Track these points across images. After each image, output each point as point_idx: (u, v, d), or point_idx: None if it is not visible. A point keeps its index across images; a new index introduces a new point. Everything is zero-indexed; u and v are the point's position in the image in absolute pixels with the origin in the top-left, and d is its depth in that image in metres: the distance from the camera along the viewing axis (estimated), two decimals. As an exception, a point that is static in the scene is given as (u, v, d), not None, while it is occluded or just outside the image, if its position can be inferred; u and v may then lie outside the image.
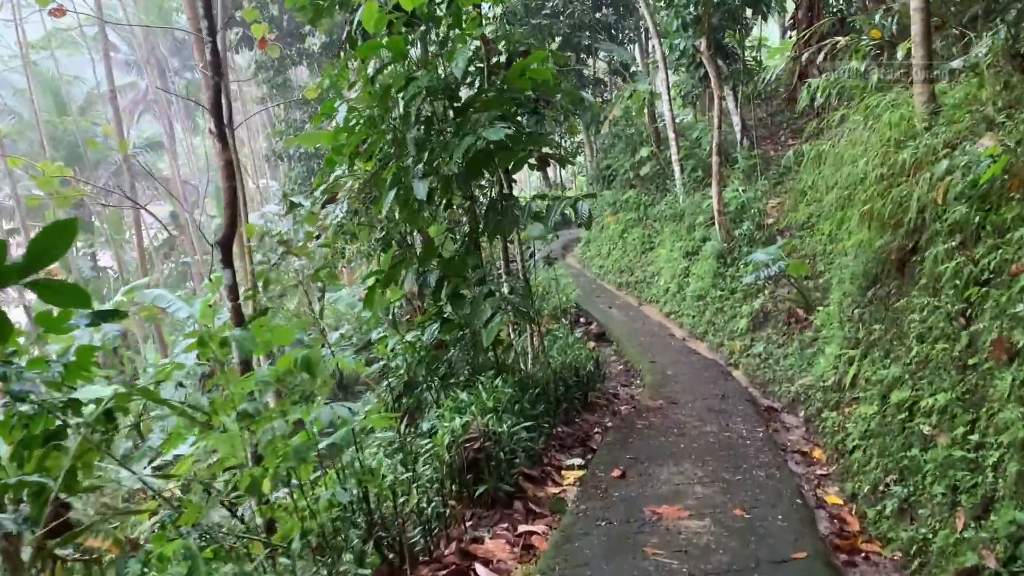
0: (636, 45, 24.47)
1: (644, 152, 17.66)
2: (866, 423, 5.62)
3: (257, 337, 7.11)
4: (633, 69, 21.98)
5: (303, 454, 3.58)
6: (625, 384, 10.66)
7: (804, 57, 10.98)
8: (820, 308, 10.62)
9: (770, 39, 24.81)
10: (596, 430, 7.06)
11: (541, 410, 6.15)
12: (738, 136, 16.20)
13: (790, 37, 17.74)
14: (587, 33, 21.39)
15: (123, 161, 28.32)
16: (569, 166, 28.48)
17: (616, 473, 5.46)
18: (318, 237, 11.66)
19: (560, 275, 14.49)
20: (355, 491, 3.87)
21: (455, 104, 6.06)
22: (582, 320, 16.10)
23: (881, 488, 4.81)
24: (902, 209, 5.42)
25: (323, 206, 10.91)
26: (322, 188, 8.38)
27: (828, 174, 6.70)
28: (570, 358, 7.84)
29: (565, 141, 26.58)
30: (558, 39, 21.24)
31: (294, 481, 3.70)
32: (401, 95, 5.94)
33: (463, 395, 5.31)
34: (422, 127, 5.89)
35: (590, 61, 23.58)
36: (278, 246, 16.71)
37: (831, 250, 12.11)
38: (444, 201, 6.96)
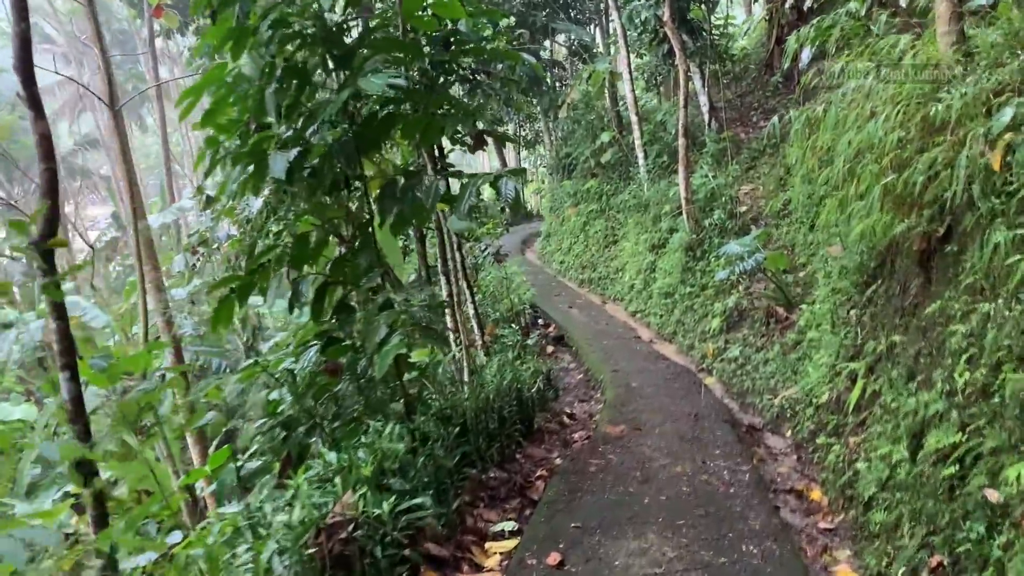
0: (597, 27, 23.04)
1: (605, 138, 16.22)
2: (887, 467, 4.21)
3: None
4: (594, 51, 20.53)
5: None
6: (583, 399, 9.20)
7: (787, 4, 9.56)
8: (803, 306, 9.28)
9: (736, 20, 23.60)
10: (540, 472, 5.57)
11: (458, 459, 4.63)
12: (706, 118, 14.85)
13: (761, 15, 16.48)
14: (543, 12, 19.89)
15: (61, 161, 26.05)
16: (530, 154, 26.98)
17: (553, 560, 3.95)
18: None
19: (514, 273, 12.99)
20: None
21: (334, 52, 4.49)
22: (540, 322, 14.63)
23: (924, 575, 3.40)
24: (932, 182, 4.01)
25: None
26: (204, 171, 6.72)
27: (824, 144, 5.28)
28: (509, 379, 6.34)
29: (523, 129, 25.08)
30: (512, 18, 19.71)
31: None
32: (261, 38, 4.35)
33: (331, 456, 3.78)
34: (286, 81, 4.31)
35: (548, 43, 22.07)
36: (200, 247, 14.92)
37: (812, 240, 10.81)
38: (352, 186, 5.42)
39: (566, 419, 7.71)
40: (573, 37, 20.81)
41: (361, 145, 4.63)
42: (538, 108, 20.89)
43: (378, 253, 4.59)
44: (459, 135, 7.95)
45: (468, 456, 5.16)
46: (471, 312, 8.89)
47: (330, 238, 4.79)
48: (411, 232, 8.56)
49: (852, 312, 6.98)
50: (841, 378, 6.18)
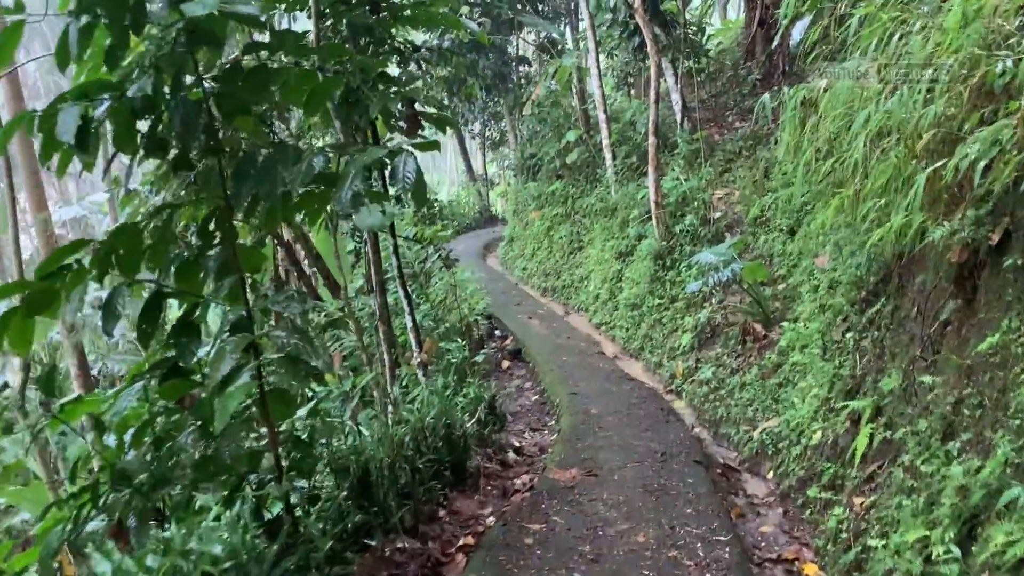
0: (567, 24, 21.97)
1: (571, 136, 15.11)
2: (921, 560, 3.07)
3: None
4: (563, 47, 19.44)
5: None
6: (536, 427, 8.01)
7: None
8: (785, 324, 8.23)
9: (713, 23, 22.77)
10: (465, 539, 4.35)
11: (354, 528, 3.39)
12: (678, 117, 13.83)
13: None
14: (509, 5, 18.75)
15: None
16: (496, 156, 25.76)
17: None
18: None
19: (467, 280, 11.77)
20: None
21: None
22: (497, 333, 13.43)
23: None
24: (980, 173, 2.90)
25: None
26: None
27: (828, 128, 4.17)
28: (433, 414, 5.09)
29: (489, 128, 23.89)
30: (476, 11, 18.54)
31: None
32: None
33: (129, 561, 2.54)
34: (103, 7, 3.04)
35: (514, 38, 20.93)
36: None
37: (793, 250, 9.80)
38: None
39: (511, 455, 6.51)
40: (542, 33, 19.71)
41: (224, 108, 3.39)
42: (503, 105, 19.73)
43: (235, 251, 3.33)
44: (393, 118, 6.73)
45: (369, 523, 3.93)
46: (409, 325, 7.67)
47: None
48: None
49: (848, 336, 5.92)
50: (839, 418, 5.08)
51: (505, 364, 11.75)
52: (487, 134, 23.42)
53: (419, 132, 6.32)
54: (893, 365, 4.40)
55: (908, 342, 4.28)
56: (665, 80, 13.62)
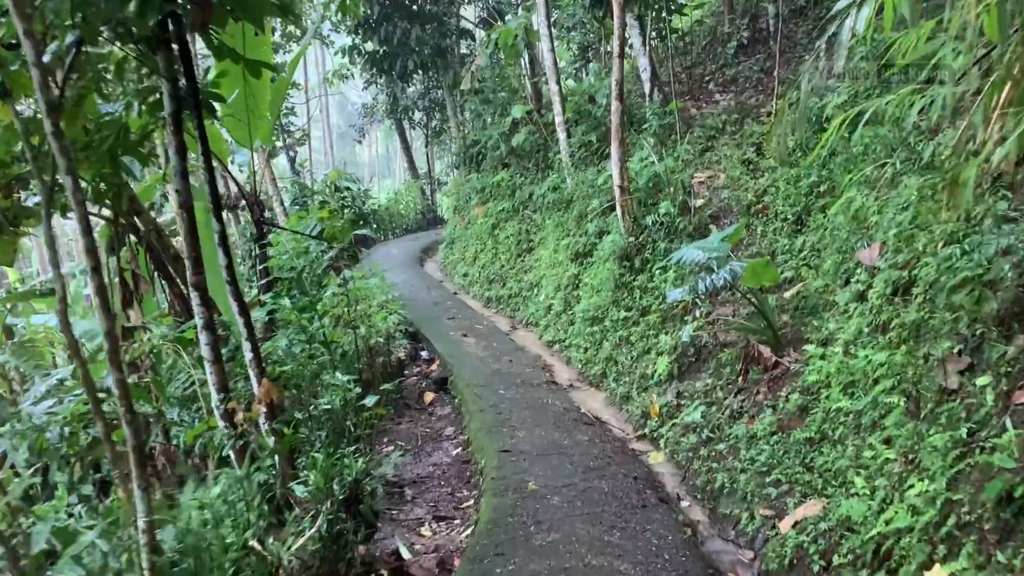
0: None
1: (516, 113, 12.43)
2: None
3: None
4: (509, 17, 16.82)
5: None
6: (443, 512, 5.25)
7: None
8: (809, 348, 5.68)
9: None
10: None
11: None
12: (646, 88, 11.30)
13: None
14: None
15: None
16: (441, 149, 22.93)
17: None
18: None
19: (372, 287, 8.95)
20: None
21: None
22: (424, 355, 10.66)
23: None
24: None
25: None
26: None
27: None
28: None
29: (433, 119, 21.03)
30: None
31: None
32: None
33: None
34: None
35: (457, 8, 18.20)
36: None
37: (803, 244, 7.29)
38: None
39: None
40: (489, 1, 17.04)
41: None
42: (444, 87, 16.99)
43: None
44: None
45: None
46: (248, 357, 4.89)
47: None
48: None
49: (974, 381, 3.33)
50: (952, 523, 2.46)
51: (428, 397, 8.99)
52: (431, 124, 20.59)
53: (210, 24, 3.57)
54: None
55: None
56: (631, 39, 11.08)
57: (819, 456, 4.74)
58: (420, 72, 16.21)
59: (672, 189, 9.03)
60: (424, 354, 10.65)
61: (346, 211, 13.13)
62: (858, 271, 5.47)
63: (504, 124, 12.75)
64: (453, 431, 7.39)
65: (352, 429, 5.68)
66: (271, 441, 4.53)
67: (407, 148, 23.27)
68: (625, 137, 9.24)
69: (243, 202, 10.50)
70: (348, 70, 19.32)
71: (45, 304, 8.75)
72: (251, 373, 5.01)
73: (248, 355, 4.96)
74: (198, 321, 4.54)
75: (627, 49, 10.29)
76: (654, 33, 11.88)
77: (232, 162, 9.52)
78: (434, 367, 9.92)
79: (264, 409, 4.58)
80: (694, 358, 7.49)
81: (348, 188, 14.69)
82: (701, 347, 7.51)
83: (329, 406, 5.50)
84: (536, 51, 13.63)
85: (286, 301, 6.41)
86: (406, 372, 9.95)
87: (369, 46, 16.21)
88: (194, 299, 4.50)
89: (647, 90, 11.30)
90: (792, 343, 6.52)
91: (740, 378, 6.54)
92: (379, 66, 15.91)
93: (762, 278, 6.57)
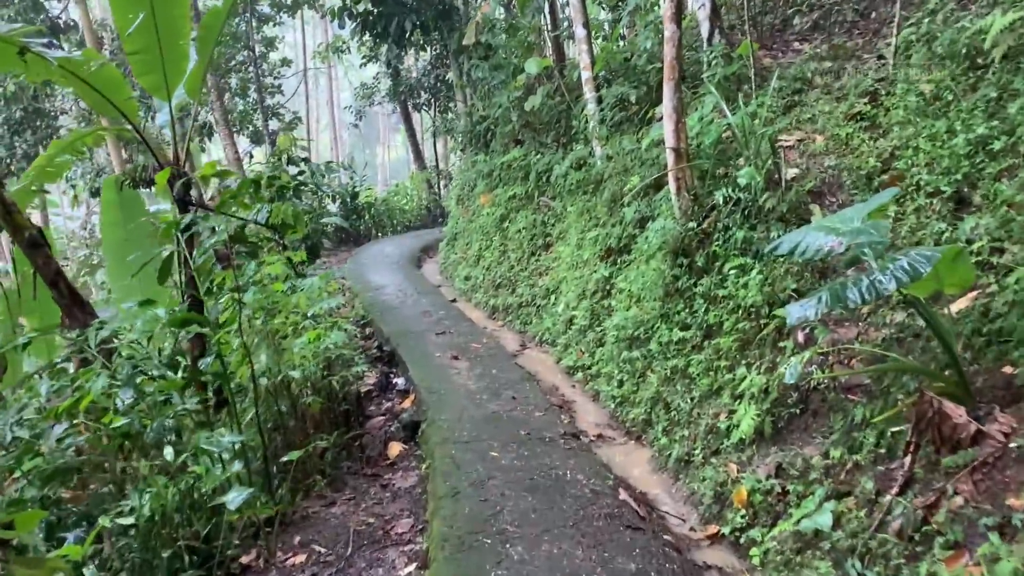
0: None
1: (532, 68, 9.64)
2: None
3: None
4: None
5: None
6: None
7: None
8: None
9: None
10: None
11: None
12: (704, 29, 8.49)
13: None
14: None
15: None
16: (446, 134, 20.18)
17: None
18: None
19: (311, 287, 6.19)
20: None
21: None
22: (398, 384, 7.91)
23: None
24: None
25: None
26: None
27: None
28: None
29: (441, 100, 18.31)
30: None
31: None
32: None
33: None
34: None
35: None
36: None
37: (972, 230, 4.42)
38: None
39: None
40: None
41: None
42: (450, 56, 14.27)
43: None
44: None
45: None
46: None
47: None
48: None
49: None
50: None
51: (394, 450, 6.26)
52: (437, 105, 17.87)
53: None
54: None
55: None
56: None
57: None
58: (421, 34, 13.54)
59: (751, 153, 6.19)
60: (400, 382, 7.88)
61: (304, 193, 10.49)
62: None
63: (517, 84, 9.97)
64: (410, 525, 4.58)
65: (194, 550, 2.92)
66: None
67: (412, 134, 20.49)
68: (681, 90, 6.44)
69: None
70: (344, 43, 16.74)
71: None
72: None
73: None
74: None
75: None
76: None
77: (152, 119, 6.93)
78: (407, 403, 7.14)
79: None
80: (799, 409, 4.67)
81: (305, 161, 11.88)
82: (810, 393, 4.69)
83: (133, 520, 2.73)
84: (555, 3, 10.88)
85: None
86: (370, 411, 7.19)
87: (361, 6, 13.63)
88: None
89: (704, 33, 8.48)
90: (980, 391, 3.73)
91: (909, 455, 3.69)
92: (371, 29, 13.26)
93: (944, 280, 3.79)
